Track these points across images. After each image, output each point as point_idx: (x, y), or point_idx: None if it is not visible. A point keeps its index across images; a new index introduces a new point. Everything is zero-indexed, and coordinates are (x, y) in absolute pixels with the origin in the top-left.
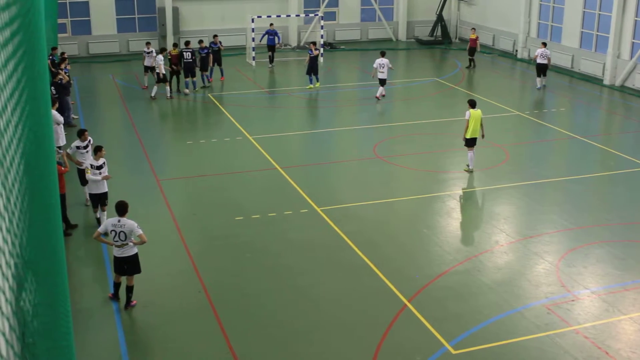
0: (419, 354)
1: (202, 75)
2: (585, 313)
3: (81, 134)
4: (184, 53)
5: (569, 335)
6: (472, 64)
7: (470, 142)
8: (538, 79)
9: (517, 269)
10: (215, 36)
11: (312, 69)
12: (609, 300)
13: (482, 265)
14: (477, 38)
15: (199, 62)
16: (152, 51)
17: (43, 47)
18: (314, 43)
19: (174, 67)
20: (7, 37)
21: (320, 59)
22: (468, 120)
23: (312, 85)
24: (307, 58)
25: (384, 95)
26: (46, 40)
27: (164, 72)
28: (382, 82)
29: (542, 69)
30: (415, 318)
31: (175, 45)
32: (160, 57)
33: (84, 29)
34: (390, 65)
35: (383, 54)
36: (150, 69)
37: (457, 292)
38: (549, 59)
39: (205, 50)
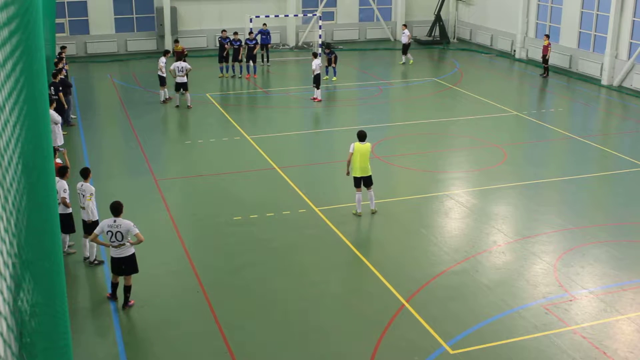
0: (417, 353)
1: (232, 67)
2: (583, 313)
3: (87, 175)
4: (247, 42)
5: (566, 335)
6: (545, 72)
7: (357, 182)
8: (404, 56)
9: (515, 269)
10: (235, 33)
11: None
12: (606, 300)
13: (480, 265)
14: (549, 45)
15: (233, 52)
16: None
17: (41, 46)
18: (328, 45)
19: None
20: (5, 37)
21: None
22: (352, 154)
23: (331, 77)
24: (333, 57)
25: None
26: (45, 41)
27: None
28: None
29: (406, 48)
30: (413, 318)
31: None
32: (164, 59)
33: (82, 28)
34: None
35: (316, 55)
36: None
37: (455, 292)
38: (411, 38)
39: (238, 43)
